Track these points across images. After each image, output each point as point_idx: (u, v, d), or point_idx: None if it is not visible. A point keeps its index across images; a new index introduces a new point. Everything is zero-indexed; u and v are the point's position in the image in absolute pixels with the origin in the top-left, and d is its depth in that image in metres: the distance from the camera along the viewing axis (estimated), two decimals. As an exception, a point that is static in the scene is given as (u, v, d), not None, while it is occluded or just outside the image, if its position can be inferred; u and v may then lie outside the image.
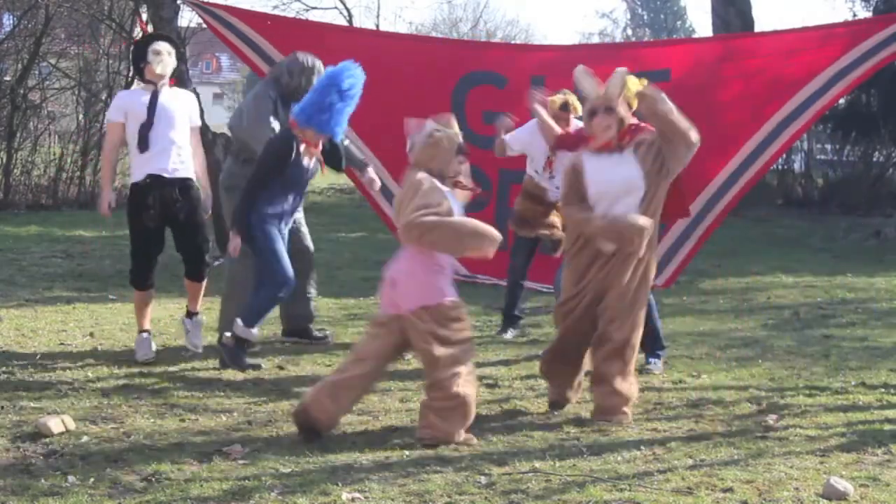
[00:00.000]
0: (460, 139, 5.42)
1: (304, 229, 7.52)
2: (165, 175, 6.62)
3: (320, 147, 6.41)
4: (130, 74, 16.01)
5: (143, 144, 6.61)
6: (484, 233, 5.24)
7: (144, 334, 6.86)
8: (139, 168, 6.68)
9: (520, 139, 7.50)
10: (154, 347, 6.88)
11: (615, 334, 5.61)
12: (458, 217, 5.27)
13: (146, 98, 6.66)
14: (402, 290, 5.20)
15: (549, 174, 7.38)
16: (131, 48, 7.06)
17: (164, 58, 6.70)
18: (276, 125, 6.90)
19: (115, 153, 7.01)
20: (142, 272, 6.83)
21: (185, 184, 6.70)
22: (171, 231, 6.79)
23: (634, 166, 5.61)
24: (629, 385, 5.66)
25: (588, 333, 5.71)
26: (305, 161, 6.37)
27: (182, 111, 6.75)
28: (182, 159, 6.70)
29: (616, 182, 5.61)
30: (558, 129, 7.05)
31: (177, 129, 6.69)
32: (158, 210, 6.62)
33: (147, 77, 6.76)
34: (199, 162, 6.87)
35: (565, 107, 7.22)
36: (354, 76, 6.13)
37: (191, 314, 7.00)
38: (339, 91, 6.09)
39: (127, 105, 6.73)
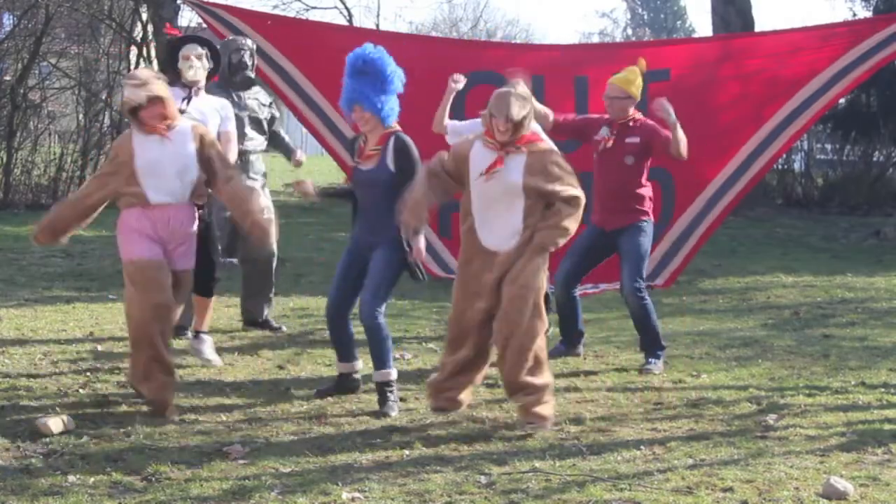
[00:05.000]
0: None
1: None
2: None
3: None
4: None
5: None
6: None
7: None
8: None
9: (459, 131, 7.21)
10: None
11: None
12: None
13: (180, 103, 6.52)
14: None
15: None
16: (165, 52, 7.00)
17: (194, 62, 6.65)
18: None
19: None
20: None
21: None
22: None
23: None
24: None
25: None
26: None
27: (211, 122, 6.61)
28: None
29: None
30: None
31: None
32: None
33: (182, 81, 6.73)
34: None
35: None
36: (355, 57, 5.92)
37: (197, 333, 6.74)
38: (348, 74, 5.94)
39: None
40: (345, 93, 5.91)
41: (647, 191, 6.94)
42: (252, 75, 7.67)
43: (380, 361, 5.79)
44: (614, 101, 6.95)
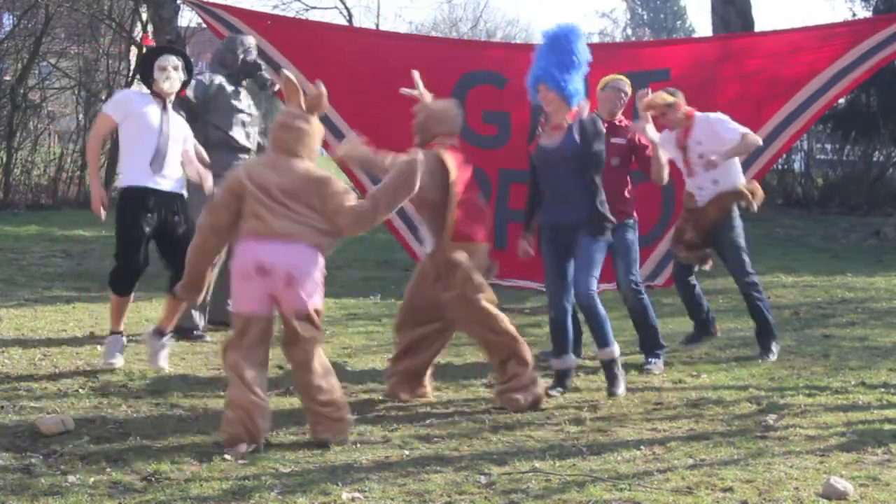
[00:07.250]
0: None
1: None
2: (166, 189, 6.51)
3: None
4: (130, 74, 16.05)
5: (159, 161, 6.46)
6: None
7: (117, 335, 6.62)
8: (138, 175, 6.49)
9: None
10: (122, 354, 6.60)
11: None
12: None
13: (155, 108, 6.51)
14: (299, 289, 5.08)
15: (688, 172, 7.14)
16: (137, 62, 7.18)
17: (171, 73, 6.56)
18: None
19: (100, 146, 7.11)
20: (128, 278, 6.56)
21: (182, 199, 6.64)
22: (157, 244, 6.63)
23: None
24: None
25: None
26: (544, 140, 5.98)
27: (179, 133, 6.62)
28: (177, 175, 6.62)
29: None
30: None
31: (177, 146, 6.59)
32: (159, 219, 6.49)
33: (155, 90, 6.62)
34: (196, 170, 6.75)
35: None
36: (545, 35, 5.89)
37: (163, 332, 6.56)
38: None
39: (132, 106, 6.56)
40: (532, 71, 5.86)
41: (632, 194, 6.93)
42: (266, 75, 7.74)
43: (602, 339, 5.87)
44: (609, 91, 6.92)
